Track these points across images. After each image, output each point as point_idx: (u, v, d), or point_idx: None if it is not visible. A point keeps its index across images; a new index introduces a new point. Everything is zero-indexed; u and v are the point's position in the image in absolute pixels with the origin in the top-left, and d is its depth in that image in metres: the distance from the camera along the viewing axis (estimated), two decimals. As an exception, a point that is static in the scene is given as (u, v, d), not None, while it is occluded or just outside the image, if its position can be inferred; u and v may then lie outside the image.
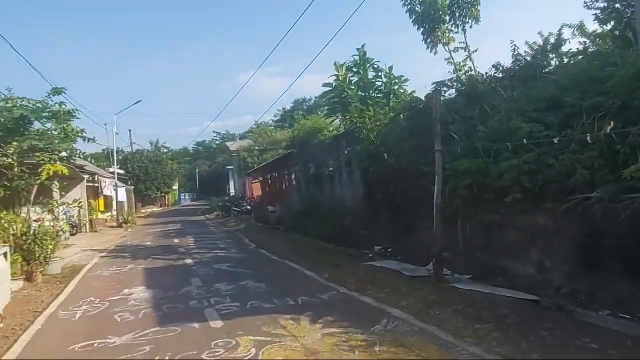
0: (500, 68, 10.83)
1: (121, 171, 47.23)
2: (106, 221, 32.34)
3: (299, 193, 19.83)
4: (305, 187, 18.93)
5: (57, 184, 11.91)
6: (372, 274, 8.90)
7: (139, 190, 52.59)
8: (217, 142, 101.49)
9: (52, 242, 11.24)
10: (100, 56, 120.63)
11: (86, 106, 37.05)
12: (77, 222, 21.80)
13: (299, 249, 13.30)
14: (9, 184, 9.34)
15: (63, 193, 12.29)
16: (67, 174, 10.31)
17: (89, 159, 19.55)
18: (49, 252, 10.18)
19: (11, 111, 9.20)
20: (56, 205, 11.36)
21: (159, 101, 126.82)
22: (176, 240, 17.54)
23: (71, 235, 21.23)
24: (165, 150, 66.13)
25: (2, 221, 9.20)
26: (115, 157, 31.83)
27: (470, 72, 12.46)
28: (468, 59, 13.13)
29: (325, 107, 16.56)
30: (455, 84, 10.88)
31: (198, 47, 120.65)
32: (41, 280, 10.17)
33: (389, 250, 11.55)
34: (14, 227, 9.64)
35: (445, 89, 10.92)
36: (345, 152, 14.55)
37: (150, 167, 55.06)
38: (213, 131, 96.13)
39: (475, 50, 13.33)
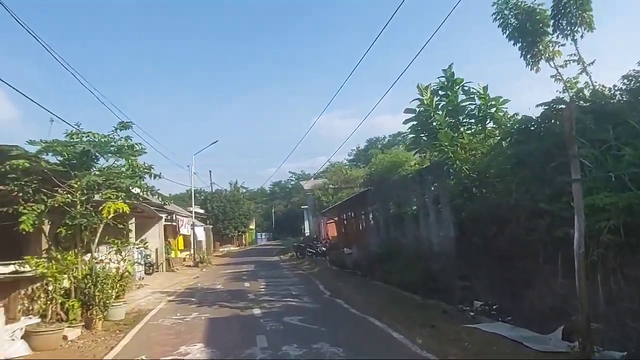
0: (634, 79, 8.61)
1: (201, 210, 48.70)
2: (184, 260, 32.69)
3: (378, 234, 18.06)
4: (384, 228, 17.16)
5: (126, 224, 11.32)
6: (482, 343, 6.86)
7: (217, 230, 53.75)
8: (293, 182, 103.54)
9: (116, 286, 10.58)
10: (180, 102, 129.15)
11: (168, 148, 38.74)
12: (153, 261, 21.75)
13: (381, 301, 11.47)
14: (70, 223, 8.78)
15: (131, 230, 11.63)
16: (127, 212, 9.63)
17: (170, 201, 19.31)
18: (109, 298, 9.40)
19: (74, 146, 8.79)
20: (121, 245, 10.76)
21: (237, 144, 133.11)
22: (247, 284, 16.47)
23: (147, 274, 21.17)
24: (244, 191, 67.77)
25: (63, 263, 8.55)
26: (193, 196, 32.33)
27: (588, 88, 10.28)
28: (583, 72, 10.96)
29: (409, 137, 14.74)
30: (577, 100, 8.81)
31: (271, 91, 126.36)
32: (101, 327, 9.38)
33: (494, 307, 9.33)
34: (75, 269, 8.99)
35: (562, 106, 8.86)
36: (432, 188, 12.72)
37: (229, 207, 56.36)
38: (289, 172, 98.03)
39: (592, 63, 11.14)
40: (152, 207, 21.10)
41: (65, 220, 8.93)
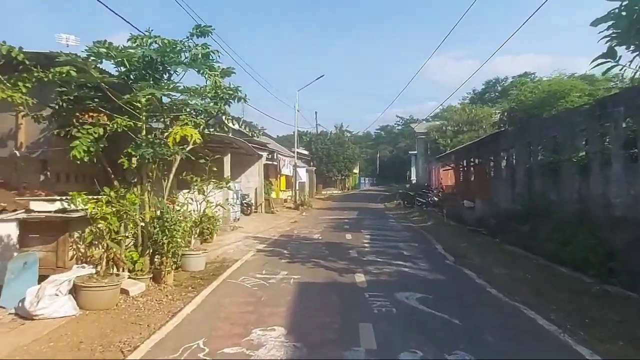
0: None
1: (305, 152, 47.61)
2: (285, 201, 31.79)
3: (514, 187, 14.28)
4: (525, 180, 13.33)
5: (207, 160, 9.36)
6: None
7: (320, 172, 52.73)
8: (400, 127, 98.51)
9: (193, 232, 8.81)
10: (287, 39, 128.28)
11: (274, 85, 37.20)
12: (251, 201, 20.56)
13: (533, 280, 8.23)
14: (133, 152, 6.88)
15: (215, 169, 9.70)
16: (199, 142, 7.46)
17: (259, 133, 17.48)
18: (179, 247, 7.59)
19: (134, 52, 6.67)
20: (200, 184, 8.85)
21: (344, 87, 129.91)
22: (349, 236, 14.15)
23: (245, 214, 20.09)
24: (348, 135, 65.38)
25: (121, 202, 6.76)
26: (297, 135, 30.60)
27: None
28: None
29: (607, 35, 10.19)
30: None
31: (383, 27, 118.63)
32: (172, 281, 7.70)
33: None
34: (137, 210, 7.20)
35: None
36: (623, 124, 8.64)
37: (333, 150, 54.67)
38: (397, 116, 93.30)
39: None
40: (251, 145, 19.58)
41: (128, 149, 7.06)
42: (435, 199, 25.23)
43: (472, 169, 18.88)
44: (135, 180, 7.71)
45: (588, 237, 9.10)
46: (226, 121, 9.17)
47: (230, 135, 14.31)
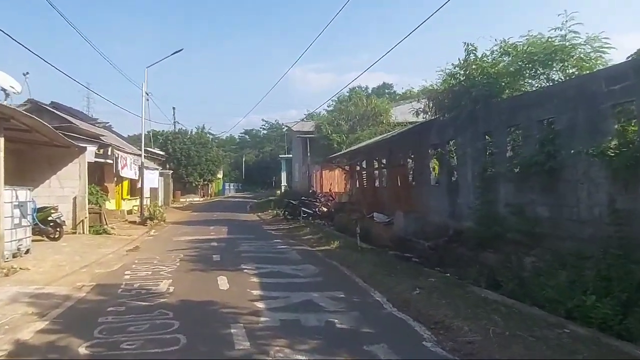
0: None
1: (160, 152, 39.42)
2: (130, 213, 24.07)
3: (456, 195, 10.29)
4: (480, 185, 9.36)
5: None
6: None
7: (179, 176, 44.87)
8: (266, 131, 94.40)
9: None
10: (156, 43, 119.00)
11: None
12: (61, 218, 13.13)
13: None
14: None
15: None
16: None
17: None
18: None
19: None
20: None
21: (206, 91, 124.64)
22: (222, 281, 8.23)
23: (52, 239, 12.68)
24: (211, 137, 58.17)
25: None
26: (143, 122, 23.23)
27: None
28: None
29: None
30: None
31: (245, 42, 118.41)
32: None
33: None
34: None
35: None
36: None
37: (194, 150, 47.25)
38: (262, 119, 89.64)
39: None
40: (65, 133, 12.48)
41: None
42: (324, 209, 20.69)
43: (382, 171, 14.63)
44: None
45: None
46: None
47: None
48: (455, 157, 11.01)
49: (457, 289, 7.70)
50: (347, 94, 56.27)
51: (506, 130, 9.04)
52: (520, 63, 8.88)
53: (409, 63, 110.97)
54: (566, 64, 8.47)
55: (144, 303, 6.68)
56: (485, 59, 9.62)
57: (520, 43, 9.05)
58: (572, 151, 6.91)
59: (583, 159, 6.77)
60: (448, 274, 8.85)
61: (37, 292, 7.28)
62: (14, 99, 14.42)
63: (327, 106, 49.99)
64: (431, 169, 12.08)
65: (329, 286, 8.03)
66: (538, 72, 8.87)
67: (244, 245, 13.30)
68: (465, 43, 9.77)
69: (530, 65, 8.77)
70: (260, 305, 6.65)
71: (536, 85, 9.18)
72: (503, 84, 9.22)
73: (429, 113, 12.07)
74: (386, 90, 71.65)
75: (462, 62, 10.27)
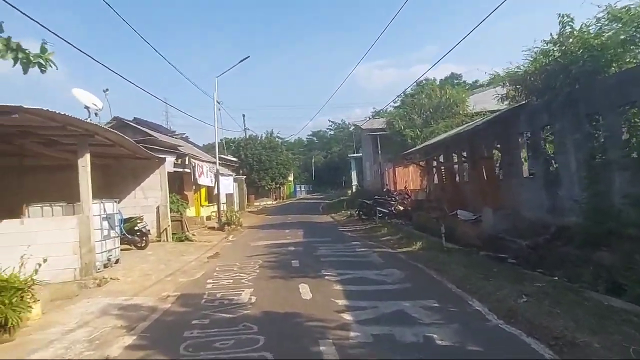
0: None
1: (233, 158, 40.65)
2: (209, 219, 24.88)
3: (556, 188, 9.09)
4: (588, 175, 8.15)
5: None
6: None
7: (252, 181, 46.05)
8: (332, 131, 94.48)
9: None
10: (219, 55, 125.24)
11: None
12: (146, 228, 13.64)
13: None
14: None
15: None
16: None
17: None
18: None
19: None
20: None
21: (273, 97, 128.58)
22: (304, 289, 7.86)
23: (139, 248, 13.20)
24: (280, 140, 59.19)
25: None
26: (216, 128, 23.87)
27: None
28: None
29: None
30: None
31: (309, 46, 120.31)
32: None
33: None
34: None
35: None
36: None
37: (265, 155, 48.27)
38: (329, 120, 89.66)
39: None
40: (146, 146, 12.95)
41: None
42: (401, 207, 19.84)
43: (464, 165, 13.57)
44: None
45: None
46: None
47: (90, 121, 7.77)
48: (552, 145, 9.78)
49: (570, 295, 6.66)
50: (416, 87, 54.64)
51: (618, 110, 7.77)
52: (633, 29, 7.57)
53: (477, 53, 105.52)
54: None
55: (227, 315, 6.47)
56: (587, 29, 8.36)
57: (634, 5, 7.72)
58: None
59: None
60: (556, 277, 7.78)
61: (126, 303, 7.39)
62: (101, 117, 15.31)
63: (394, 103, 48.78)
64: (522, 160, 10.88)
65: (419, 293, 7.34)
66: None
67: (322, 249, 12.93)
68: (559, 14, 8.58)
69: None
70: (347, 317, 6.15)
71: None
72: (609, 56, 7.94)
73: (517, 97, 10.86)
74: (455, 81, 68.55)
75: (555, 37, 9.04)
